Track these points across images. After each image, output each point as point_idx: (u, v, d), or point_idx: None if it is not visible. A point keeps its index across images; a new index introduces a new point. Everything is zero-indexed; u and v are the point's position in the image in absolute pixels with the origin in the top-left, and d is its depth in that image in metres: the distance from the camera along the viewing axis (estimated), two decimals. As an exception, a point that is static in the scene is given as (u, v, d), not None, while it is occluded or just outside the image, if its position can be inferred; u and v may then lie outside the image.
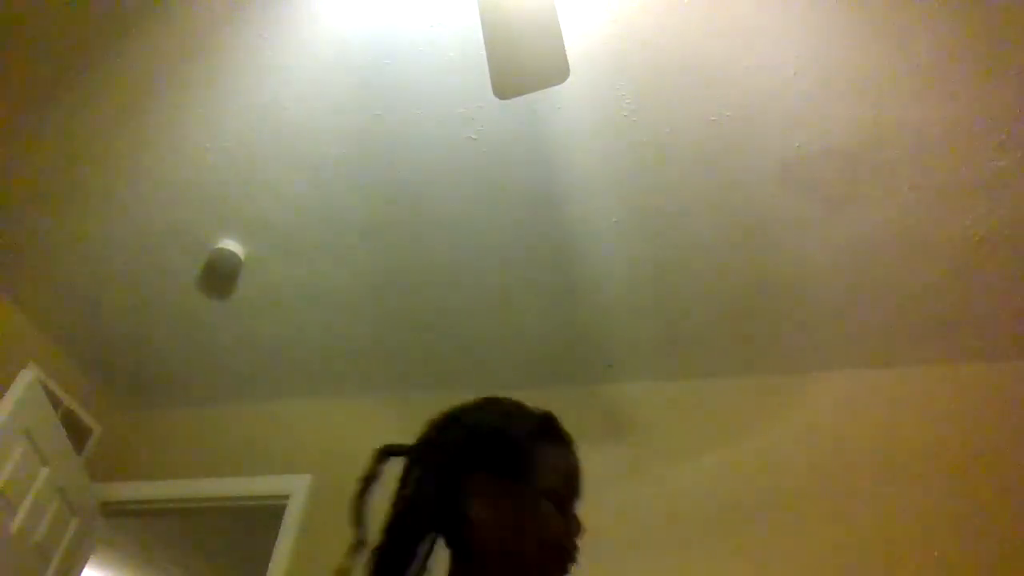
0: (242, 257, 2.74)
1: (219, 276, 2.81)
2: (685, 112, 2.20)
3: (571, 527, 0.93)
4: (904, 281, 2.53)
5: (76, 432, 3.12)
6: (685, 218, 2.46)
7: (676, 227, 2.49)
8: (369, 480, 0.94)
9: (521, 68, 1.83)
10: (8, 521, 2.54)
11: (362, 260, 2.74)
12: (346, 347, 3.07)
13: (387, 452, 0.97)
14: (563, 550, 0.91)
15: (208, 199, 2.59)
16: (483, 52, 1.83)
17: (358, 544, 0.93)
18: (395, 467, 0.97)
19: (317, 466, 3.07)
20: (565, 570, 0.89)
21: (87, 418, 3.27)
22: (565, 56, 1.80)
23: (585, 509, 0.99)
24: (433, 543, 0.91)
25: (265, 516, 3.04)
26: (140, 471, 3.25)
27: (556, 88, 1.91)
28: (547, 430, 0.99)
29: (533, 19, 1.76)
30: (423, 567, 0.89)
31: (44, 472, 2.71)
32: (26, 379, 2.67)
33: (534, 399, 1.06)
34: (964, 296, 2.54)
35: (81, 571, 3.02)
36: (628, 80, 2.15)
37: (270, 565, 2.83)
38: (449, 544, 0.92)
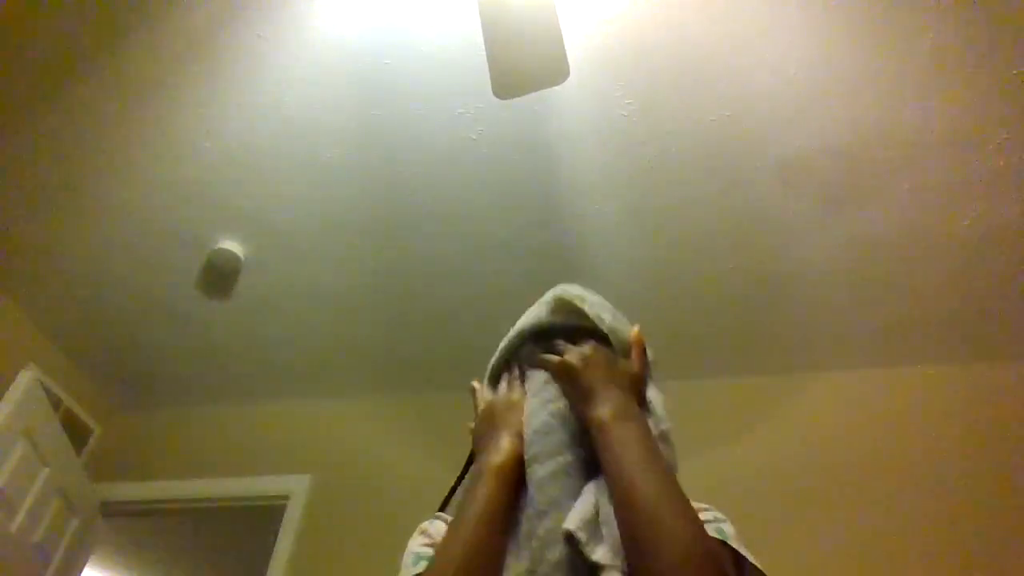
0: (242, 257, 2.74)
1: (219, 276, 2.81)
2: (685, 112, 2.20)
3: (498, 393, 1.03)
4: (904, 281, 2.53)
5: (76, 432, 3.12)
6: (685, 218, 2.46)
7: (676, 227, 2.49)
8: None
9: (521, 68, 1.83)
10: (8, 521, 2.54)
11: (362, 260, 2.74)
12: (346, 347, 3.07)
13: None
14: (488, 425, 0.96)
15: (208, 199, 2.59)
16: (483, 52, 1.83)
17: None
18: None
19: (317, 466, 3.07)
20: (485, 445, 0.92)
21: (87, 418, 3.27)
22: (565, 56, 1.80)
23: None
24: None
25: (265, 516, 3.04)
26: (140, 471, 3.25)
27: (556, 88, 1.91)
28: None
29: (533, 19, 1.76)
30: None
31: (44, 472, 2.71)
32: (26, 379, 2.67)
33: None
34: (964, 296, 2.54)
35: (81, 571, 3.02)
36: (628, 80, 2.15)
37: (270, 565, 2.83)
38: None
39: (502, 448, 0.89)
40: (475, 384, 1.05)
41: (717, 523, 0.83)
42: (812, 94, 2.12)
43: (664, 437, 0.87)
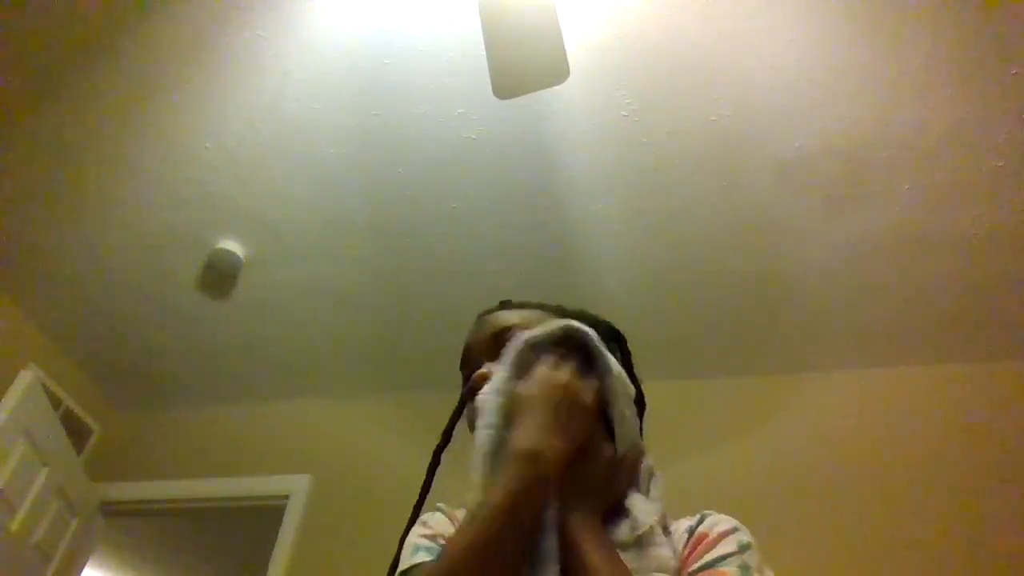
0: (242, 257, 2.74)
1: (219, 276, 2.81)
2: (685, 112, 2.20)
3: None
4: (904, 281, 2.53)
5: (76, 432, 3.12)
6: (685, 218, 2.46)
7: (676, 227, 2.49)
8: None
9: (521, 68, 1.83)
10: (8, 521, 2.54)
11: (362, 260, 2.74)
12: (346, 347, 3.07)
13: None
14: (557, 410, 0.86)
15: (208, 199, 2.59)
16: (483, 52, 1.83)
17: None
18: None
19: (317, 466, 3.07)
20: (539, 429, 0.83)
21: (87, 418, 3.27)
22: (565, 56, 1.80)
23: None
24: None
25: (265, 516, 3.05)
26: (140, 471, 3.25)
27: (556, 88, 1.91)
28: None
29: (533, 19, 1.76)
30: None
31: (44, 472, 2.71)
32: (26, 379, 2.67)
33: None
34: (964, 296, 2.54)
35: (81, 571, 3.02)
36: (628, 80, 2.15)
37: (270, 565, 2.83)
38: None
39: (560, 451, 0.80)
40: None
41: (741, 554, 0.79)
42: (812, 94, 2.12)
43: (641, 541, 0.81)
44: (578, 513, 0.81)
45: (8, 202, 2.65)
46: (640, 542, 0.81)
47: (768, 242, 2.50)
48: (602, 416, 0.88)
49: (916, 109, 2.11)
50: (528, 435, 0.81)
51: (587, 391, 0.86)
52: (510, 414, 0.85)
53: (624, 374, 0.91)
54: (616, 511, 0.84)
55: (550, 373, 0.86)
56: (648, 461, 0.90)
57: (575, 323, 0.92)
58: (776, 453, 2.69)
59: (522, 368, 0.88)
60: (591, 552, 0.77)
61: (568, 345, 0.90)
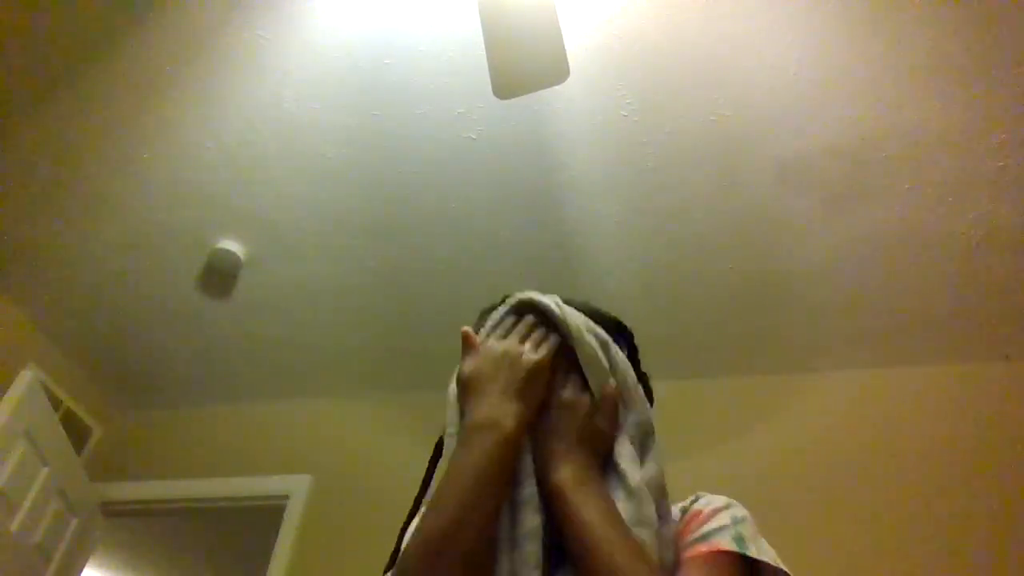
0: (242, 257, 2.74)
1: (219, 276, 2.81)
2: (685, 112, 2.20)
3: None
4: (904, 281, 2.53)
5: (76, 432, 3.12)
6: (685, 218, 2.46)
7: (676, 227, 2.49)
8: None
9: (521, 68, 1.83)
10: (8, 521, 2.54)
11: (362, 260, 2.74)
12: (346, 347, 3.07)
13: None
14: (498, 380, 0.86)
15: (208, 199, 2.59)
16: (483, 52, 1.83)
17: None
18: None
19: (317, 466, 3.07)
20: (488, 401, 0.81)
21: (87, 418, 3.27)
22: (565, 56, 1.80)
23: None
24: None
25: (265, 516, 3.05)
26: (140, 471, 3.25)
27: (556, 88, 1.91)
28: None
29: (533, 19, 1.76)
30: None
31: (44, 472, 2.71)
32: (26, 379, 2.67)
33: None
34: (964, 296, 2.54)
35: (81, 571, 3.02)
36: (628, 80, 2.15)
37: (270, 565, 2.83)
38: None
39: (516, 414, 0.78)
40: (468, 329, 0.91)
41: (736, 526, 0.80)
42: (813, 94, 2.12)
43: (634, 493, 0.77)
44: (566, 470, 0.77)
45: (8, 202, 2.65)
46: (631, 494, 0.78)
47: (768, 242, 2.50)
48: (576, 367, 0.86)
49: (916, 109, 2.11)
50: (480, 409, 0.79)
51: (532, 352, 0.84)
52: (461, 402, 0.83)
53: (589, 322, 0.90)
54: (607, 462, 0.81)
55: (487, 346, 0.86)
56: (647, 414, 0.87)
57: (526, 294, 0.94)
58: (776, 453, 2.69)
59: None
60: (584, 509, 0.73)
61: (519, 314, 0.92)
